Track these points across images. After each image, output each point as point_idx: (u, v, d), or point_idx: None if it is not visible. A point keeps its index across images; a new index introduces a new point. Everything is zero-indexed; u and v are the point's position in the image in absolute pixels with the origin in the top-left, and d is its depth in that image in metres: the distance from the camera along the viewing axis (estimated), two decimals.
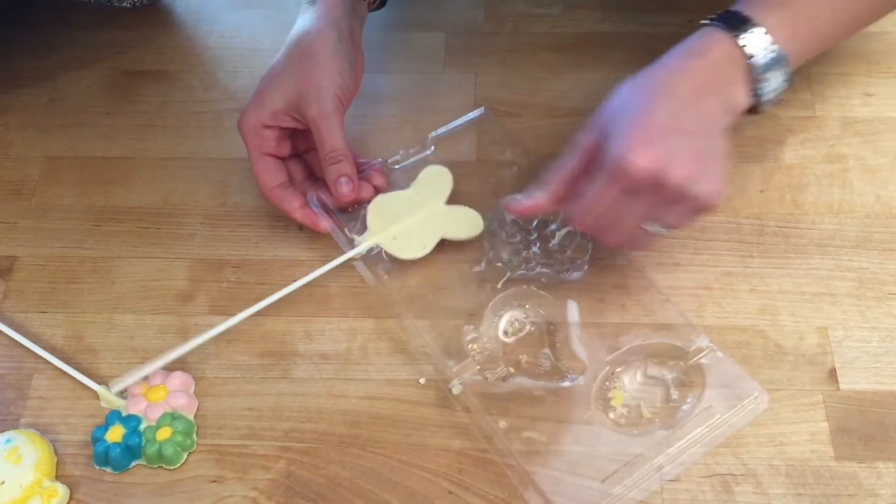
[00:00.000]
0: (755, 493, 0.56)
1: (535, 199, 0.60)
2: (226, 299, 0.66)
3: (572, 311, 0.63)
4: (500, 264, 0.65)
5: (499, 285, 0.64)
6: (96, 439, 0.59)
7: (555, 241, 0.65)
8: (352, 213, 0.67)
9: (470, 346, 0.62)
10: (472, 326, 0.62)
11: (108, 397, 0.61)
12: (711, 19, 0.60)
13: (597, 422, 0.58)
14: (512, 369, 0.61)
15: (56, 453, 0.59)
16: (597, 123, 0.58)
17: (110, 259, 0.69)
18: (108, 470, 0.59)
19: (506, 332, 0.63)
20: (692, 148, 0.55)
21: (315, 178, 0.70)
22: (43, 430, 0.60)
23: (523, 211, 0.61)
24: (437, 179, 0.69)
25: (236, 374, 0.63)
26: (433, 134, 0.71)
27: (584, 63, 0.80)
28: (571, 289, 0.64)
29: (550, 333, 0.62)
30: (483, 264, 0.66)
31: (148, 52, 0.83)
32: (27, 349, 0.64)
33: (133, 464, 0.59)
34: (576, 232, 0.65)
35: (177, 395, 0.61)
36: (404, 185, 0.69)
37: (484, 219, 0.67)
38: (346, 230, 0.67)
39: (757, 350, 0.62)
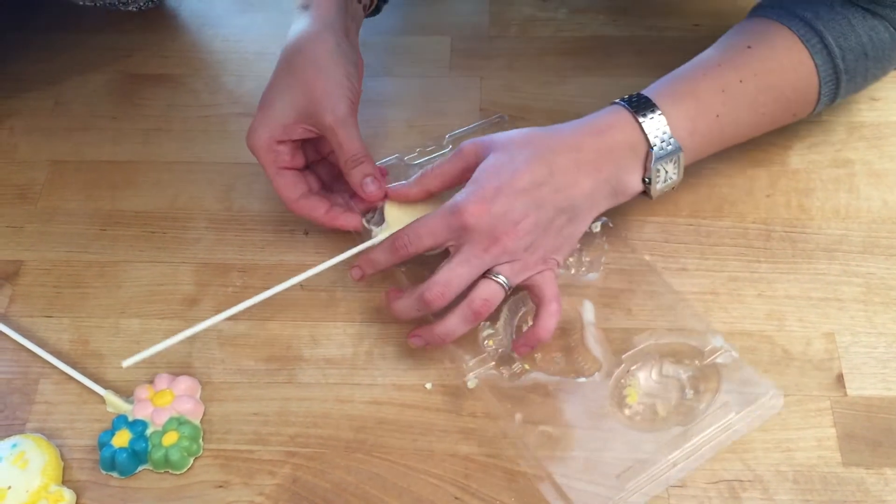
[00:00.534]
0: (762, 499, 0.56)
1: (408, 187, 0.64)
2: (232, 303, 0.65)
3: (588, 310, 0.63)
4: None
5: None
6: (103, 444, 0.59)
7: None
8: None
9: (486, 342, 0.62)
10: (488, 322, 0.62)
11: (114, 402, 0.61)
12: (623, 100, 0.62)
13: (612, 418, 0.59)
14: (527, 366, 0.61)
15: (62, 458, 0.59)
16: (486, 147, 0.61)
17: (116, 263, 0.69)
18: (115, 475, 0.59)
19: (521, 330, 0.63)
20: (539, 220, 0.59)
21: (330, 187, 0.69)
22: (49, 435, 0.60)
23: (396, 195, 0.65)
24: None
25: (242, 378, 0.63)
26: (450, 134, 0.72)
27: (589, 67, 0.80)
28: (588, 288, 0.65)
29: (566, 331, 0.63)
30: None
31: (153, 56, 0.84)
32: (33, 354, 0.64)
33: (139, 469, 0.59)
34: (593, 234, 0.65)
35: (183, 399, 0.60)
36: None
37: None
38: (364, 222, 0.66)
39: (764, 355, 0.62)
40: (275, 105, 0.65)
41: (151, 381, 0.62)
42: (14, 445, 0.59)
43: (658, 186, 0.63)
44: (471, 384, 0.60)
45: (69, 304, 0.67)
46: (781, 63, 0.64)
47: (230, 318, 0.64)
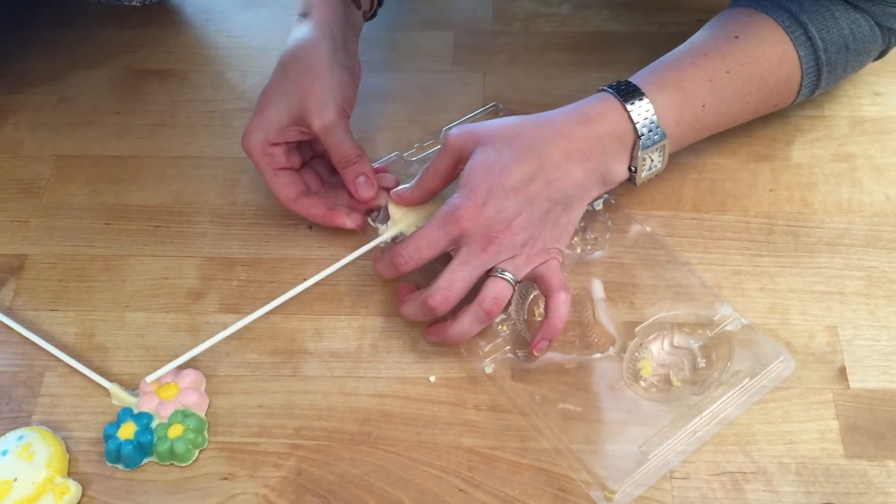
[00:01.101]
0: (765, 490, 0.56)
1: (410, 192, 0.65)
2: (236, 297, 0.67)
3: (597, 288, 0.64)
4: None
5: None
6: (108, 436, 0.59)
7: None
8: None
9: (499, 326, 0.63)
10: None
11: (119, 395, 0.61)
12: (611, 87, 0.63)
13: (629, 391, 0.60)
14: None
15: (68, 450, 0.60)
16: (472, 139, 0.62)
17: (121, 257, 0.69)
18: (120, 467, 0.59)
19: (534, 314, 0.64)
20: (533, 214, 0.60)
21: (329, 183, 0.70)
22: (55, 428, 0.61)
23: (399, 200, 0.66)
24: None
25: (247, 371, 0.63)
26: (447, 128, 0.72)
27: (592, 62, 0.80)
28: (595, 266, 0.65)
29: (577, 310, 0.64)
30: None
31: (157, 51, 0.84)
32: (38, 347, 0.64)
33: (145, 461, 0.59)
34: (595, 212, 0.66)
35: (188, 392, 0.61)
36: None
37: None
38: (369, 220, 0.68)
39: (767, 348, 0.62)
40: (268, 109, 0.66)
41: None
42: (20, 438, 0.59)
43: (643, 174, 0.64)
44: (488, 369, 0.61)
45: (74, 297, 0.67)
46: (766, 54, 0.64)
47: (235, 312, 0.65)
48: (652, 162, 0.63)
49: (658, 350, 0.61)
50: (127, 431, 0.59)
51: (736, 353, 0.60)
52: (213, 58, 0.83)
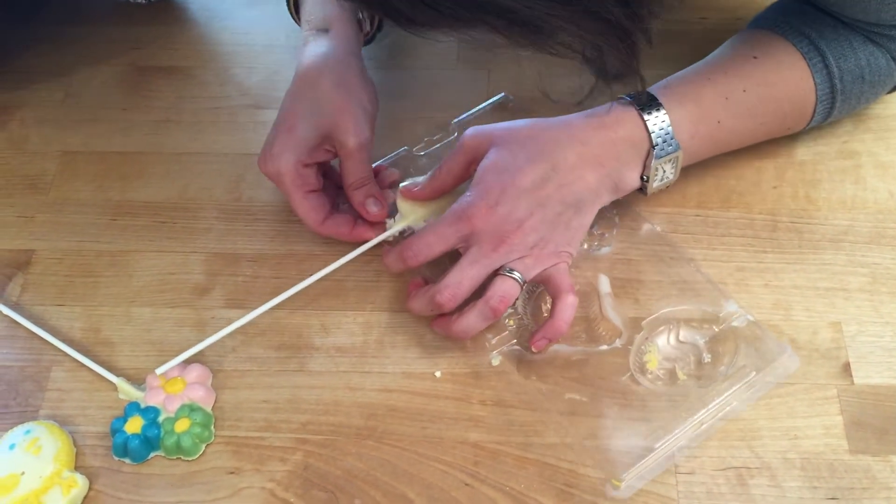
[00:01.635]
0: (770, 485, 0.56)
1: (420, 189, 0.65)
2: (242, 293, 0.67)
3: (603, 282, 0.65)
4: None
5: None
6: (115, 430, 0.59)
7: None
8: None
9: (506, 320, 0.63)
10: None
11: (126, 389, 0.61)
12: (629, 96, 0.63)
13: (635, 383, 0.60)
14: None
15: (75, 444, 0.60)
16: (487, 140, 0.62)
17: (127, 253, 0.70)
18: (127, 461, 0.59)
19: (541, 309, 0.64)
20: (545, 217, 0.60)
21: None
22: (62, 422, 0.61)
23: (410, 195, 0.65)
24: None
25: (253, 366, 0.63)
26: (455, 120, 0.73)
27: None
28: (601, 262, 0.66)
29: (585, 304, 0.64)
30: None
31: (162, 48, 0.84)
32: (45, 342, 0.64)
33: (151, 455, 0.59)
34: (603, 208, 0.66)
35: (195, 387, 0.61)
36: (430, 170, 0.68)
37: None
38: None
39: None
40: (298, 127, 0.64)
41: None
42: (27, 432, 0.59)
43: (654, 185, 0.64)
44: (495, 362, 0.62)
45: (81, 292, 0.67)
46: (783, 77, 0.65)
47: (240, 308, 0.65)
48: (664, 173, 0.64)
49: (664, 344, 0.62)
50: (134, 426, 0.59)
51: (741, 348, 0.61)
52: (219, 54, 0.83)
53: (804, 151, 0.72)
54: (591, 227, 0.67)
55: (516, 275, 0.59)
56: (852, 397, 0.60)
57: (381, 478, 0.58)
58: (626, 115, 0.62)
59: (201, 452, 0.59)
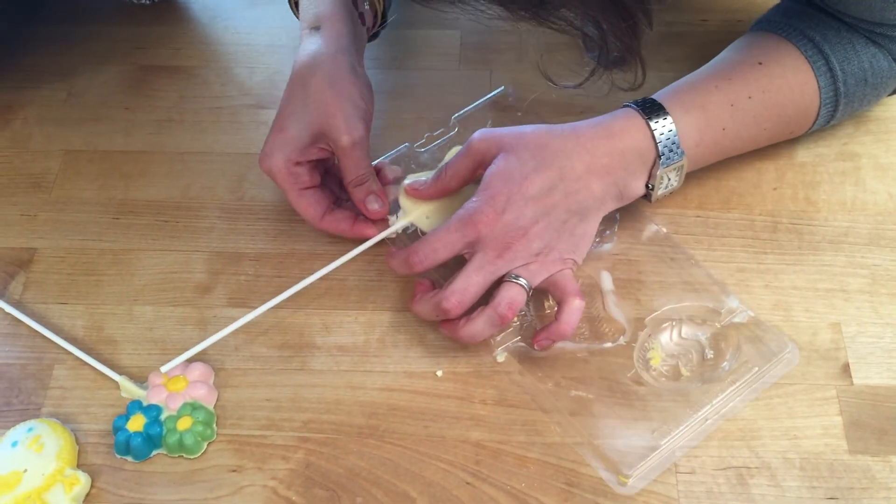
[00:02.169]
0: (769, 485, 0.57)
1: (425, 189, 0.65)
2: (244, 292, 0.67)
3: (606, 279, 0.65)
4: None
5: None
6: (117, 429, 0.59)
7: None
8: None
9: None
10: None
11: (128, 387, 0.61)
12: (635, 103, 0.63)
13: (641, 380, 0.61)
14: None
15: (77, 442, 0.60)
16: (496, 145, 0.62)
17: (129, 251, 0.70)
18: (129, 459, 0.59)
19: (544, 306, 0.65)
20: (551, 224, 0.60)
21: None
22: (64, 420, 0.61)
23: (414, 194, 0.65)
24: None
25: (255, 365, 0.63)
26: (456, 115, 0.73)
27: None
28: (603, 259, 0.66)
29: (588, 303, 0.64)
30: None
31: (165, 48, 0.84)
32: (48, 340, 0.64)
33: (154, 453, 0.60)
34: None
35: (197, 385, 0.61)
36: (432, 166, 0.69)
37: None
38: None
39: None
40: (289, 127, 0.65)
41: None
42: (30, 430, 0.59)
43: (659, 192, 0.65)
44: (500, 358, 0.62)
45: (83, 291, 0.68)
46: (788, 82, 0.65)
47: (243, 307, 0.66)
48: (669, 181, 0.64)
49: (667, 341, 0.62)
50: (136, 423, 0.59)
51: (743, 345, 0.61)
52: (221, 54, 0.84)
53: (804, 153, 0.72)
54: None
55: (522, 281, 0.60)
56: (852, 398, 0.60)
57: (382, 476, 0.58)
58: (632, 124, 0.63)
59: (203, 451, 0.60)
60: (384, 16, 0.76)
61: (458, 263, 0.61)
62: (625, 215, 0.68)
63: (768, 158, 0.72)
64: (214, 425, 0.60)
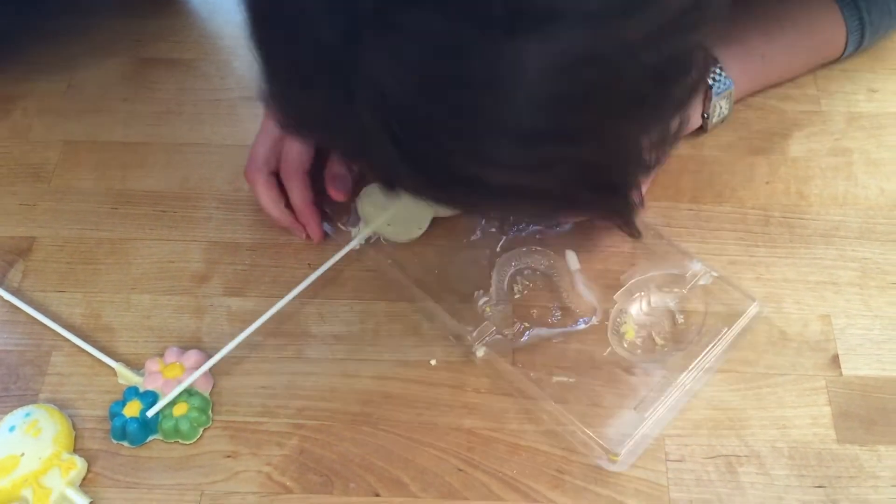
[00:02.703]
0: (758, 473, 0.57)
1: None
2: (241, 281, 0.68)
3: (571, 259, 0.66)
4: (493, 230, 0.68)
5: (497, 249, 0.66)
6: (114, 414, 0.60)
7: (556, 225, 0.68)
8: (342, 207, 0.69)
9: (483, 309, 0.64)
10: (481, 291, 0.65)
11: (125, 374, 0.62)
12: None
13: (618, 356, 0.62)
14: (527, 324, 0.63)
15: (74, 427, 0.61)
16: None
17: (127, 241, 0.70)
18: (126, 444, 0.60)
19: (513, 291, 0.65)
20: None
21: None
22: (61, 406, 0.61)
23: None
24: None
25: (250, 353, 0.64)
26: None
27: None
28: (565, 239, 0.67)
29: (555, 284, 0.65)
30: (479, 233, 0.68)
31: (165, 40, 0.85)
32: (45, 327, 0.65)
33: (150, 438, 0.60)
34: None
35: (193, 372, 0.62)
36: None
37: None
38: (340, 224, 0.69)
39: (761, 336, 0.63)
40: None
41: (161, 355, 0.63)
42: (27, 414, 0.60)
43: (714, 121, 0.70)
44: (479, 353, 0.62)
45: (81, 279, 0.68)
46: (814, 14, 0.70)
47: (238, 295, 0.66)
48: (721, 109, 0.68)
49: (637, 312, 0.64)
50: (132, 409, 0.60)
51: (711, 306, 0.63)
52: (220, 48, 0.84)
53: (797, 148, 0.73)
54: None
55: None
56: (840, 388, 0.61)
57: (375, 462, 0.59)
58: None
59: (199, 436, 0.60)
60: None
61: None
62: None
63: (761, 153, 0.73)
64: (210, 412, 0.61)
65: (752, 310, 0.62)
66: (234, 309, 0.66)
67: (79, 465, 0.58)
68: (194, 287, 0.68)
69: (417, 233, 0.68)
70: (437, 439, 0.60)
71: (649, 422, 0.58)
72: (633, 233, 0.61)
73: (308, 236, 0.68)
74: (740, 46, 0.69)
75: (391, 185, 0.47)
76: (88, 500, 0.57)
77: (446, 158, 0.42)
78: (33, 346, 0.65)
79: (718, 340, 0.61)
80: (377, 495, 0.57)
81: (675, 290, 0.64)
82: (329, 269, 0.66)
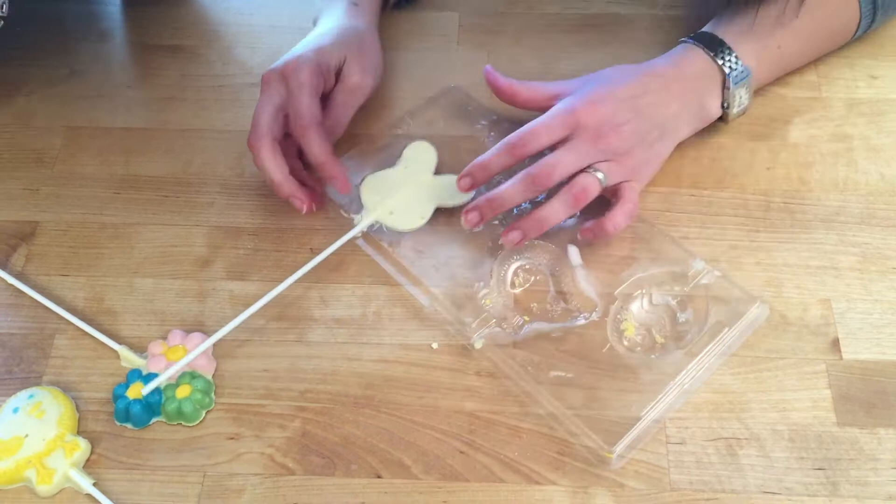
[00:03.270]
0: (758, 455, 0.58)
1: (510, 82, 0.69)
2: (243, 265, 0.68)
3: (573, 254, 0.66)
4: (496, 222, 0.68)
5: (500, 241, 0.65)
6: (117, 396, 0.60)
7: (542, 195, 0.66)
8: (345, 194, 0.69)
9: (483, 301, 0.64)
10: (481, 283, 0.65)
11: (128, 356, 0.62)
12: (691, 38, 0.69)
13: (616, 352, 0.61)
14: (526, 318, 0.63)
15: (77, 410, 0.61)
16: (574, 82, 0.68)
17: (130, 225, 0.71)
18: (129, 426, 0.60)
19: (513, 285, 0.65)
20: (638, 128, 0.64)
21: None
22: (65, 388, 0.62)
23: (495, 84, 0.70)
24: (422, 154, 0.72)
25: (253, 336, 0.64)
26: (407, 111, 0.76)
27: (594, 43, 0.81)
28: (568, 234, 0.67)
29: (556, 278, 0.65)
30: (481, 225, 0.66)
31: (167, 27, 0.85)
32: (49, 310, 0.65)
33: (153, 420, 0.60)
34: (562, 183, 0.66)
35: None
36: (391, 163, 0.72)
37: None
38: (342, 211, 0.69)
39: (762, 320, 0.63)
40: (326, 50, 0.69)
41: (164, 338, 0.63)
42: (31, 396, 0.60)
43: (734, 111, 0.70)
44: (477, 345, 0.62)
45: (84, 263, 0.69)
46: (829, 0, 0.71)
47: (240, 280, 0.67)
48: (741, 98, 0.69)
49: (638, 310, 0.63)
50: (136, 392, 0.60)
51: (712, 305, 0.62)
52: (223, 34, 0.84)
53: (798, 134, 0.73)
54: None
55: (600, 175, 0.63)
56: (841, 372, 0.61)
57: (377, 445, 0.59)
58: (693, 53, 0.68)
59: (202, 419, 0.60)
60: None
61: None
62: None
63: (762, 139, 0.73)
64: (213, 394, 0.61)
65: (755, 310, 0.62)
66: (236, 293, 0.66)
67: (82, 447, 0.59)
68: (197, 271, 0.68)
69: (420, 222, 0.68)
70: (439, 422, 0.60)
71: (646, 421, 0.58)
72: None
73: (310, 207, 0.67)
74: (755, 37, 0.69)
75: None
76: (92, 482, 0.57)
77: None
78: (37, 330, 0.65)
79: (719, 340, 0.61)
80: (379, 477, 0.58)
81: (677, 288, 0.64)
82: (331, 254, 0.66)
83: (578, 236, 0.65)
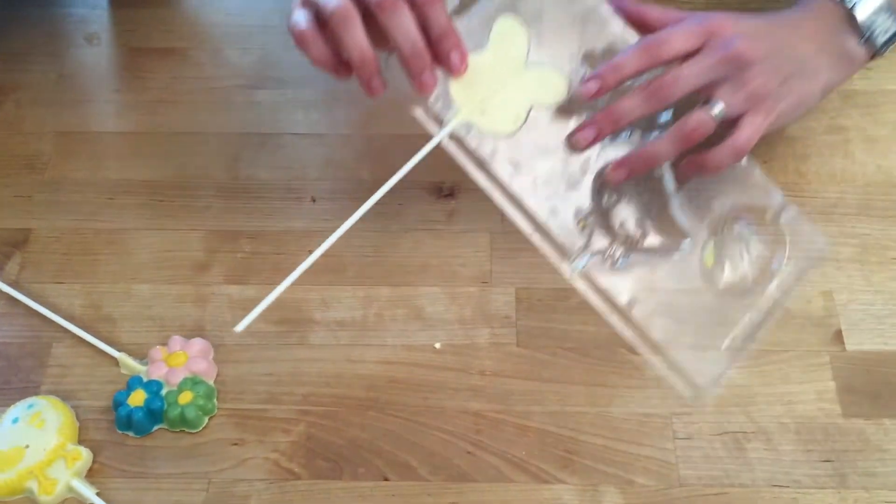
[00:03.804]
0: (766, 449, 0.58)
1: (637, 5, 0.62)
2: (241, 269, 0.67)
3: (668, 180, 0.61)
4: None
5: (604, 179, 0.60)
6: (118, 404, 0.60)
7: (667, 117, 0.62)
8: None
9: (579, 225, 0.59)
10: (580, 207, 0.60)
11: (128, 363, 0.62)
12: None
13: (702, 284, 0.59)
14: (623, 247, 0.59)
15: (77, 419, 0.60)
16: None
17: (125, 231, 0.70)
18: (131, 434, 0.60)
19: (609, 215, 0.61)
20: (773, 50, 0.60)
21: None
22: (64, 397, 0.61)
23: (623, 7, 0.62)
24: (511, 35, 0.59)
25: (254, 340, 0.64)
26: None
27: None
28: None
29: (649, 207, 0.61)
30: (595, 144, 0.60)
31: (156, 30, 0.84)
32: (45, 318, 0.64)
33: (155, 428, 0.60)
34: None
35: (197, 360, 0.61)
36: (474, 43, 0.58)
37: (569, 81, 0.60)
38: (423, 112, 0.58)
39: None
40: None
41: (164, 344, 0.63)
42: (30, 406, 0.60)
43: (881, 39, 0.63)
44: (573, 273, 0.57)
45: (80, 270, 0.68)
46: None
47: (239, 283, 0.66)
48: (884, 23, 0.63)
49: (719, 242, 0.60)
50: (137, 399, 0.59)
51: (789, 240, 0.60)
52: (213, 36, 0.83)
53: (793, 127, 0.73)
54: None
55: (716, 110, 0.58)
56: (844, 363, 0.61)
57: (383, 447, 0.59)
58: (816, 2, 0.64)
59: (205, 425, 0.60)
60: None
61: None
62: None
63: None
64: (215, 399, 0.61)
65: (823, 247, 0.60)
66: (235, 297, 0.66)
67: (84, 456, 0.58)
68: (195, 276, 0.67)
69: (514, 126, 0.58)
70: (445, 423, 0.60)
71: (732, 351, 0.56)
72: None
73: (371, 89, 0.57)
74: None
75: None
76: (94, 491, 0.57)
77: None
78: (33, 338, 0.64)
79: (790, 272, 0.58)
80: (386, 479, 0.57)
81: (758, 221, 0.60)
82: (331, 256, 0.65)
83: (676, 173, 0.60)
